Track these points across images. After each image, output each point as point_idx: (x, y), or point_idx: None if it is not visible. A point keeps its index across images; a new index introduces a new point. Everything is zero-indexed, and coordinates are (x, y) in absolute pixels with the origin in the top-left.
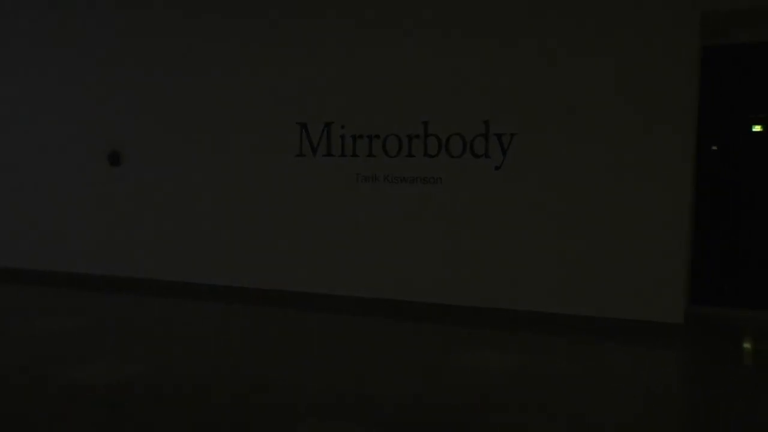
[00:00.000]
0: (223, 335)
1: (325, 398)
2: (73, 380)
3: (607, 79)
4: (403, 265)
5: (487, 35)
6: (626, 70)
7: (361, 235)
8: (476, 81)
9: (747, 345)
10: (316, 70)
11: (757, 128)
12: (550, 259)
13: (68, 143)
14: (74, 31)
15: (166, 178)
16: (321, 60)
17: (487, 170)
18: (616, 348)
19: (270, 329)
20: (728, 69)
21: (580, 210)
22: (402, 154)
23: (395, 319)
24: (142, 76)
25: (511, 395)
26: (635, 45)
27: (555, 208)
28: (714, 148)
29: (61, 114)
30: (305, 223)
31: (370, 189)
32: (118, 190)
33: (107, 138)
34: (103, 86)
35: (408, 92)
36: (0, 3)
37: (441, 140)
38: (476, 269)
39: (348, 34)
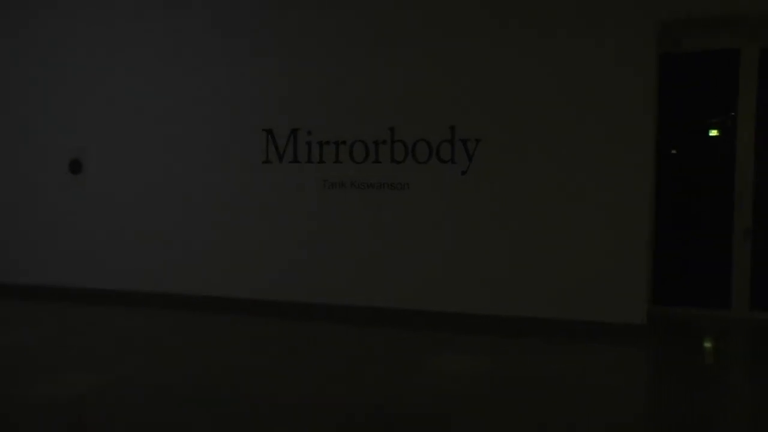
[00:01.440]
0: (197, 346)
1: (289, 406)
2: (25, 394)
3: (568, 86)
4: (370, 271)
5: (452, 42)
6: (587, 77)
7: (329, 241)
8: (442, 86)
9: (708, 344)
10: (281, 76)
11: (713, 132)
12: (516, 263)
13: (23, 150)
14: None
15: (129, 186)
16: (286, 66)
17: (454, 175)
18: (581, 350)
19: (238, 338)
20: (686, 76)
21: (545, 214)
22: (369, 160)
23: (363, 325)
24: (103, 82)
25: (476, 400)
26: (595, 53)
27: (520, 212)
28: (673, 152)
29: (21, 121)
30: (272, 229)
31: (337, 195)
32: (79, 198)
33: (69, 146)
34: (68, 91)
35: (374, 98)
36: None
37: (407, 146)
38: (444, 274)
39: (314, 40)
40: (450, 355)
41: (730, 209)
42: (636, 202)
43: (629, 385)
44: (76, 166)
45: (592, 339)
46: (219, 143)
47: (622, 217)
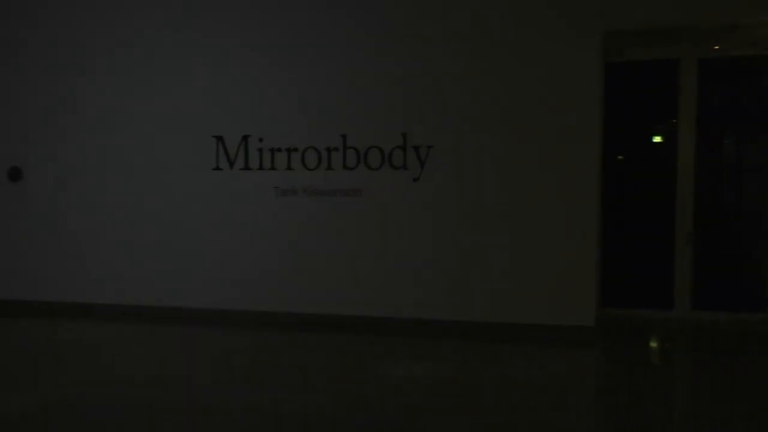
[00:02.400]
0: (146, 357)
1: (237, 416)
2: None
3: (517, 93)
4: (324, 279)
5: (403, 49)
6: (535, 85)
7: (281, 249)
8: (394, 94)
9: (654, 344)
10: (232, 83)
11: (657, 139)
12: (467, 268)
13: None
14: None
15: (73, 194)
16: (237, 72)
17: (406, 182)
18: (532, 353)
19: (185, 349)
20: (631, 84)
21: (495, 220)
22: (321, 167)
23: (318, 332)
24: (44, 85)
25: (429, 405)
26: (543, 62)
27: (471, 218)
28: (620, 157)
29: None
30: (222, 237)
31: (289, 202)
32: (18, 206)
33: (7, 152)
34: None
35: (326, 105)
36: None
37: (360, 153)
38: (397, 280)
39: (265, 46)
40: (402, 362)
41: (673, 214)
42: (583, 206)
43: (577, 386)
44: (14, 174)
45: (542, 342)
46: (168, 150)
47: (571, 222)
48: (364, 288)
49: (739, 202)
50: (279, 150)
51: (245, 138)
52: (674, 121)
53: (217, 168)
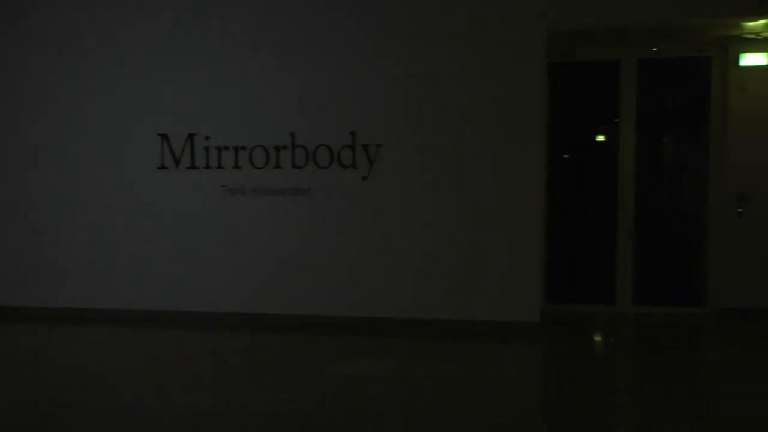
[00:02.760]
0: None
1: (193, 417)
2: None
3: (465, 92)
4: (272, 278)
5: (353, 49)
6: (482, 85)
7: (229, 248)
8: (343, 93)
9: (597, 338)
10: (177, 80)
11: (600, 138)
12: (417, 266)
13: None
14: None
15: (9, 193)
16: (182, 68)
17: (355, 180)
18: (478, 349)
19: (131, 350)
20: (576, 84)
21: (443, 218)
22: (269, 165)
23: (266, 332)
24: None
25: (379, 402)
26: (490, 63)
27: (420, 216)
28: (565, 156)
29: None
30: (169, 238)
31: (237, 201)
32: None
33: None
34: None
35: (274, 103)
36: None
37: (308, 151)
38: (346, 278)
39: (212, 41)
40: (351, 360)
41: (615, 212)
42: (529, 205)
43: (521, 379)
44: None
45: (489, 338)
46: (111, 148)
47: (517, 219)
48: (311, 287)
49: (677, 201)
50: (226, 148)
51: (191, 136)
52: (616, 121)
53: (163, 167)
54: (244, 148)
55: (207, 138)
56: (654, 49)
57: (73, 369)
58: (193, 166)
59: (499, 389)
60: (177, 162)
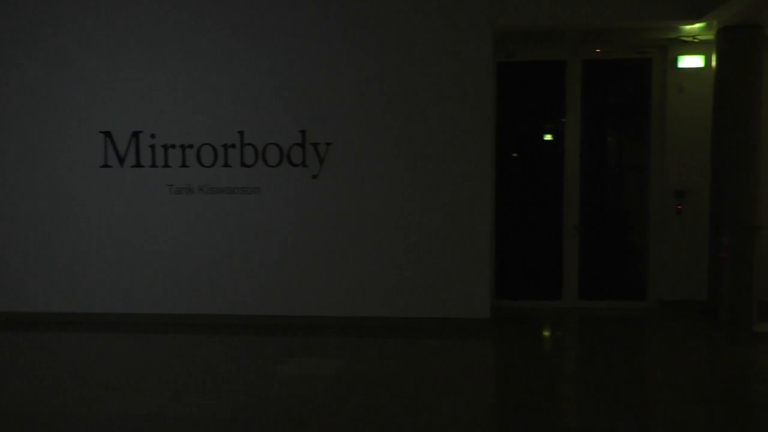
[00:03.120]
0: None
1: (138, 418)
2: None
3: (413, 92)
4: (221, 278)
5: (303, 47)
6: (430, 85)
7: (177, 249)
8: (293, 91)
9: (544, 332)
10: (121, 76)
11: (547, 137)
12: (368, 265)
13: None
14: None
15: None
16: (126, 64)
17: (305, 179)
18: (429, 346)
19: (71, 354)
20: (523, 83)
21: (394, 215)
22: (218, 164)
23: (213, 333)
24: None
25: (329, 401)
26: (437, 62)
27: (370, 214)
28: (514, 155)
29: None
30: (114, 238)
31: (184, 201)
32: None
33: None
34: None
35: (222, 101)
36: None
37: (258, 150)
38: (297, 277)
39: (157, 37)
40: (304, 359)
41: (561, 209)
42: (478, 203)
43: (471, 373)
44: None
45: (440, 335)
46: (51, 145)
47: (466, 217)
48: (261, 286)
49: (621, 197)
50: (173, 147)
51: (136, 134)
52: (562, 120)
53: (106, 165)
54: (191, 146)
55: (153, 136)
56: (597, 50)
57: None
58: (138, 165)
59: (444, 384)
60: (121, 160)
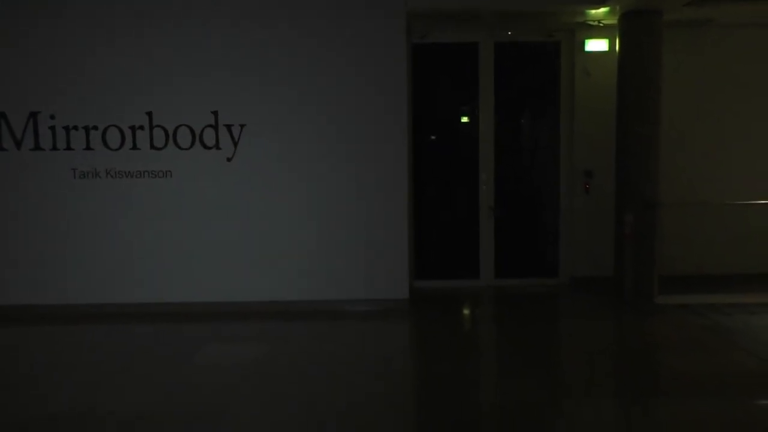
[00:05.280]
0: None
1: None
2: None
3: (328, 73)
4: (132, 266)
5: (215, 22)
6: (343, 66)
7: (81, 237)
8: (203, 69)
9: (461, 311)
10: (16, 50)
11: (464, 119)
12: (285, 248)
13: None
14: None
15: None
16: (22, 39)
17: (219, 162)
18: (352, 327)
19: None
20: (439, 65)
21: (311, 199)
22: (125, 147)
23: (127, 323)
24: None
25: (246, 387)
26: (352, 43)
27: (289, 199)
28: (430, 136)
29: None
30: (11, 226)
31: (90, 185)
32: None
33: None
34: None
35: (129, 80)
36: None
37: (168, 132)
38: (211, 264)
39: (55, 11)
40: (225, 346)
41: (477, 191)
42: (395, 185)
43: (391, 354)
44: None
45: (361, 317)
46: None
47: (383, 199)
48: (172, 273)
49: (534, 178)
50: (75, 128)
51: (33, 115)
52: (477, 101)
53: (1, 149)
54: (96, 128)
55: (52, 117)
56: (509, 33)
57: None
58: (37, 148)
59: (361, 365)
60: (18, 143)
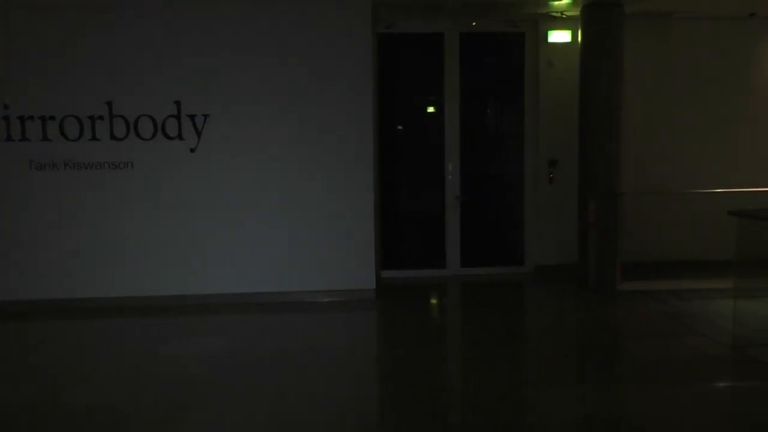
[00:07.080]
0: None
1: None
2: None
3: (293, 63)
4: (94, 261)
5: (175, 10)
6: (308, 55)
7: (40, 230)
8: (165, 59)
9: (427, 301)
10: None
11: (431, 109)
12: (253, 241)
13: None
14: None
15: None
16: None
17: (182, 153)
18: (319, 318)
19: None
20: (405, 55)
21: (276, 190)
22: (84, 137)
23: (91, 317)
24: None
25: (213, 379)
26: (317, 32)
27: (252, 190)
28: (396, 126)
29: None
30: None
31: (47, 177)
32: None
33: None
34: None
35: (87, 69)
36: None
37: (129, 122)
38: (178, 256)
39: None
40: (200, 339)
41: (444, 181)
42: (361, 174)
43: (358, 344)
44: None
45: (328, 307)
46: None
47: (350, 190)
48: (134, 267)
49: (500, 167)
50: (31, 118)
51: None
52: (442, 91)
53: None
54: (53, 118)
55: (6, 107)
56: (474, 23)
57: None
58: None
59: (328, 355)
60: None
